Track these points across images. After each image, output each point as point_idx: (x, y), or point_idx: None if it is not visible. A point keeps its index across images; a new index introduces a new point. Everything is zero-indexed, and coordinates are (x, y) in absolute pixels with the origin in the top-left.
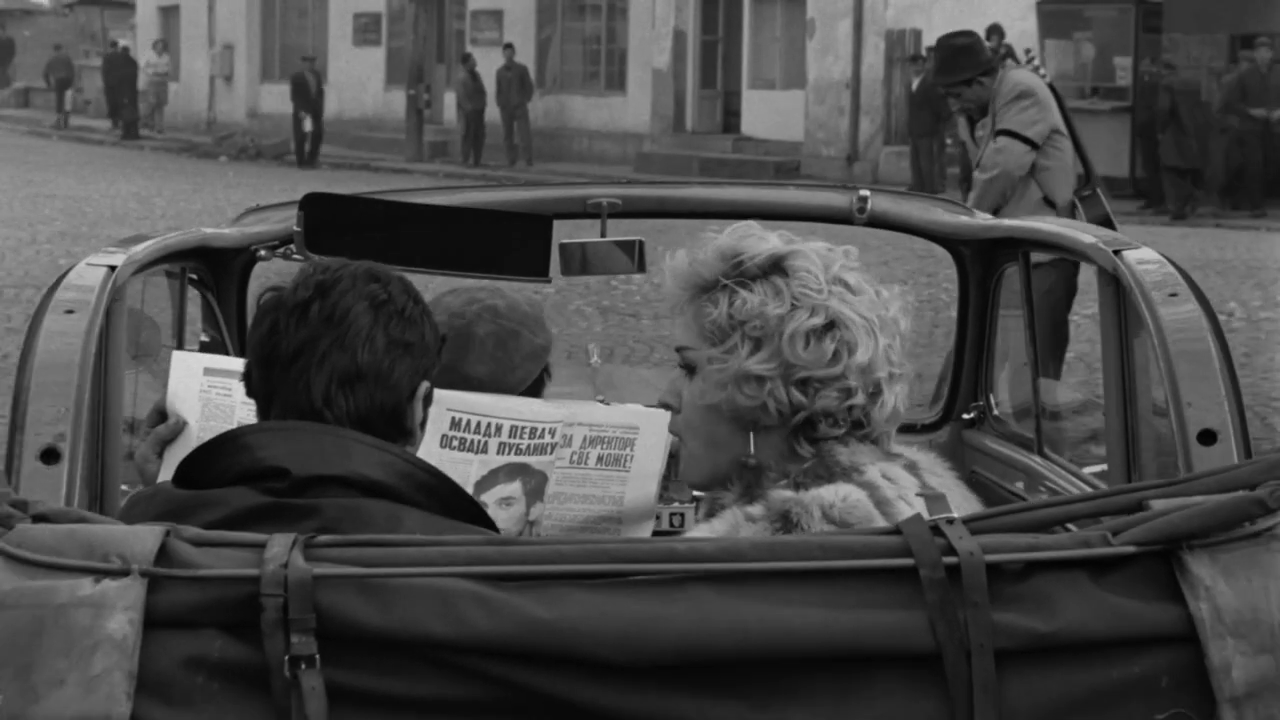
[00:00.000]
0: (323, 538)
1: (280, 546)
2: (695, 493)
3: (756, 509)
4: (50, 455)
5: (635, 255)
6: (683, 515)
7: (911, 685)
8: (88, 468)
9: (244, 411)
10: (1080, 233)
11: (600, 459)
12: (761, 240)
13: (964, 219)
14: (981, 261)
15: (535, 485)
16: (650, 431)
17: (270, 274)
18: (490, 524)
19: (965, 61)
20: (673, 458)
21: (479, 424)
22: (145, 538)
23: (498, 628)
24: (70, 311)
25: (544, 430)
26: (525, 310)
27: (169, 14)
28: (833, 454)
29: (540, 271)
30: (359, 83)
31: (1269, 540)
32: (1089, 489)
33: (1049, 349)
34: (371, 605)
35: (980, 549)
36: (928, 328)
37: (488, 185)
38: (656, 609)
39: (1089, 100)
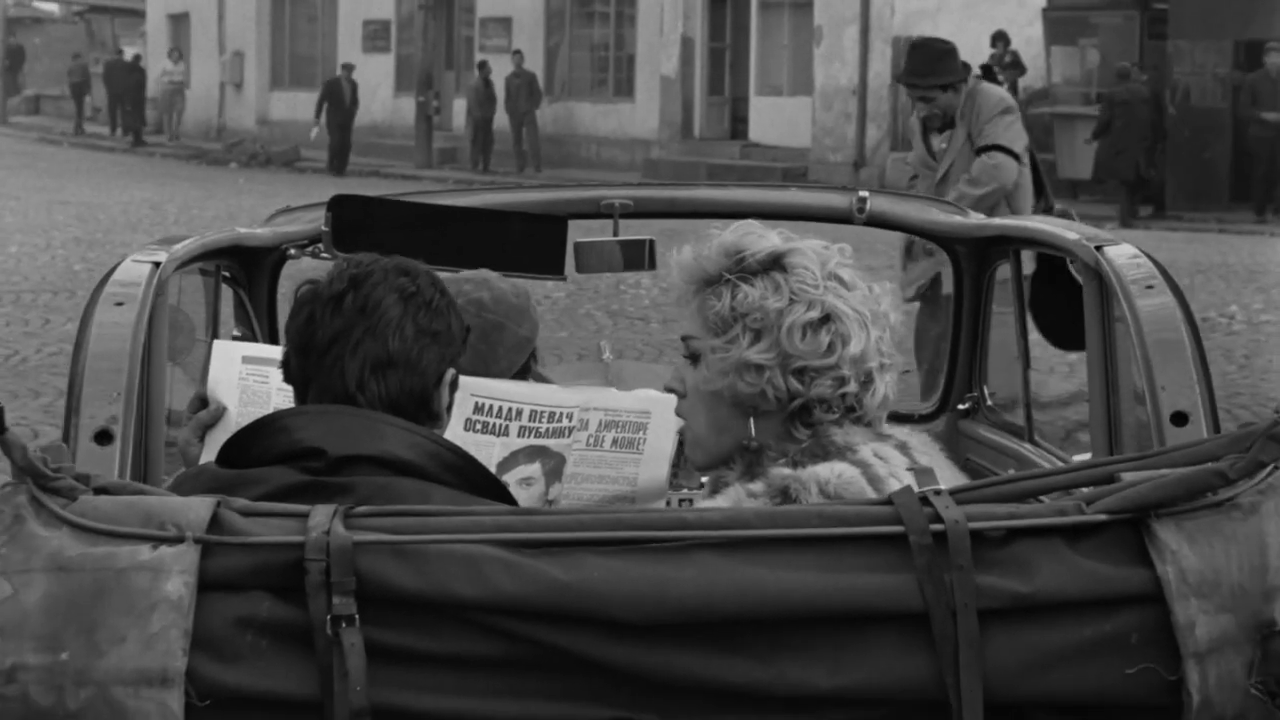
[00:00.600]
0: (361, 508)
1: (322, 516)
2: (703, 478)
3: (758, 485)
4: (104, 437)
5: (646, 254)
6: (691, 500)
7: (902, 642)
8: (134, 451)
9: (279, 397)
10: (1066, 230)
11: (615, 441)
12: (762, 238)
13: (958, 219)
14: (975, 259)
15: (554, 466)
16: (661, 415)
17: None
18: (512, 501)
19: (946, 66)
20: (681, 444)
21: (501, 408)
22: (199, 508)
23: (522, 589)
24: (120, 304)
25: (562, 414)
26: (511, 302)
27: (179, 21)
28: (828, 435)
29: (556, 269)
30: (368, 89)
31: (1230, 509)
32: None
33: None
34: (406, 569)
35: (965, 517)
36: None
37: (505, 187)
38: (667, 573)
39: (1094, 107)
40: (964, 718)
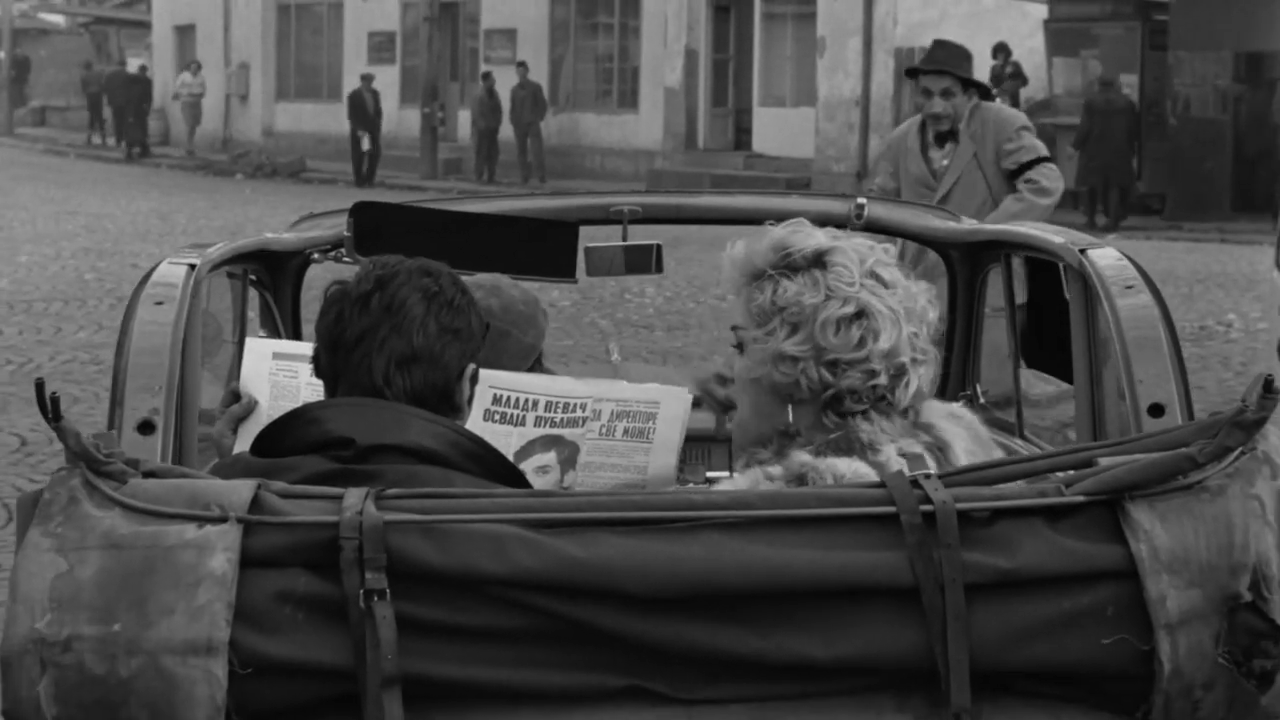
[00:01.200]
0: (391, 490)
1: (355, 497)
2: (710, 474)
3: (776, 469)
4: (146, 427)
5: (653, 258)
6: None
7: (894, 615)
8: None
9: (308, 391)
10: (1053, 234)
11: (626, 431)
12: (810, 236)
13: (951, 224)
14: (968, 263)
15: (568, 455)
16: (669, 406)
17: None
18: (528, 488)
19: (969, 67)
20: (688, 440)
21: (518, 399)
22: (241, 490)
23: (541, 566)
24: (159, 303)
25: (575, 405)
26: (519, 310)
27: (185, 33)
28: (856, 429)
29: (568, 272)
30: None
31: (1199, 491)
32: None
33: None
34: (433, 547)
35: (952, 499)
36: None
37: (519, 195)
38: (677, 550)
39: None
40: (952, 686)
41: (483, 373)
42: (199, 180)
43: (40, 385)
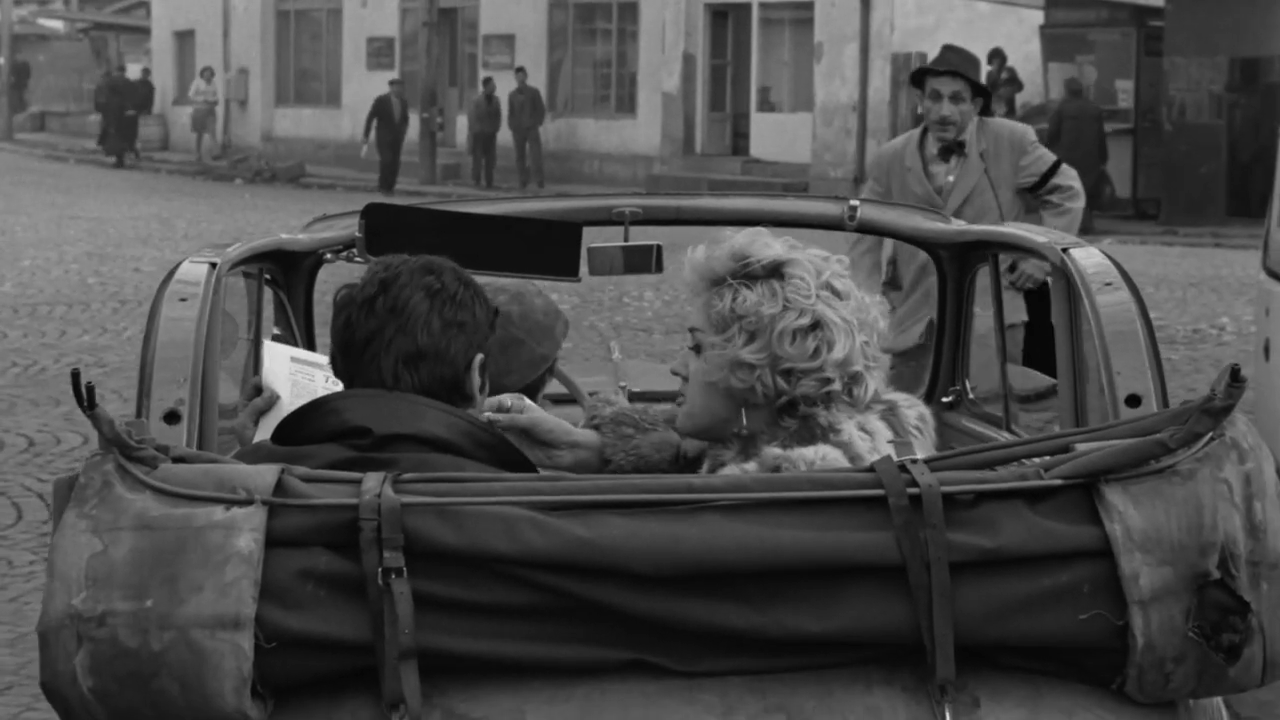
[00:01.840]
0: (408, 475)
1: (374, 481)
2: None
3: (751, 465)
4: (172, 417)
5: (654, 258)
6: None
7: (882, 592)
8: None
9: (325, 392)
10: (1037, 235)
11: None
12: (767, 246)
13: (940, 225)
14: (957, 263)
15: None
16: None
17: (329, 277)
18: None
19: (979, 75)
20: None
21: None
22: (266, 474)
23: (549, 545)
24: (183, 300)
25: None
26: (537, 319)
27: (184, 39)
28: (814, 417)
29: (571, 272)
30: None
31: (1170, 475)
32: None
33: None
34: (448, 528)
35: (938, 482)
36: None
37: (523, 197)
38: (677, 531)
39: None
40: (937, 659)
41: None
42: (199, 185)
43: (76, 375)
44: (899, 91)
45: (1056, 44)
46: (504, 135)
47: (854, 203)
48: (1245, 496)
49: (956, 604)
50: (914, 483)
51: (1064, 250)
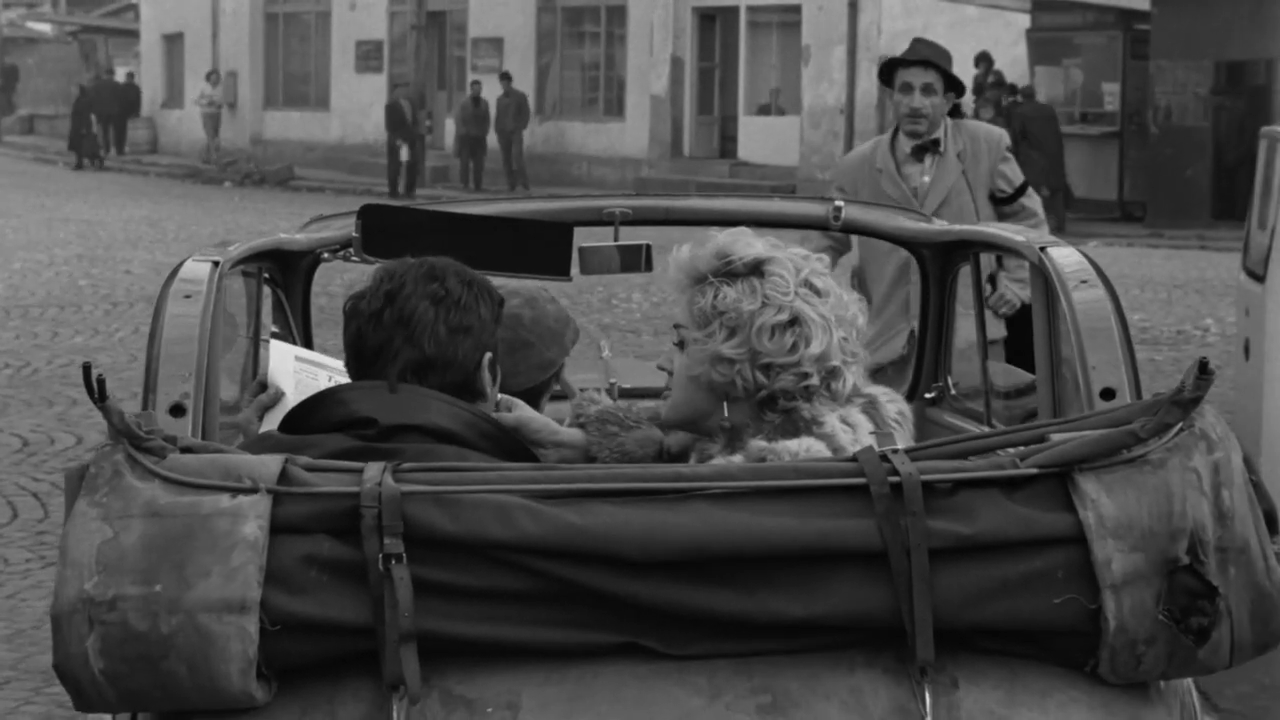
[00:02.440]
0: (408, 464)
1: (375, 470)
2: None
3: (737, 457)
4: (178, 410)
5: (643, 257)
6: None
7: (864, 577)
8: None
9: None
10: (1015, 234)
11: None
12: (749, 245)
13: (923, 225)
14: (939, 262)
15: None
16: None
17: (327, 275)
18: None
19: (951, 64)
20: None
21: None
22: (270, 464)
23: (543, 532)
24: (188, 297)
25: None
26: (548, 325)
27: (173, 42)
28: (797, 410)
29: (563, 271)
30: (361, 109)
31: (1142, 464)
32: None
33: None
34: (446, 515)
35: (918, 471)
36: None
37: (515, 199)
38: (667, 518)
39: (1078, 125)
40: (917, 641)
41: None
42: (188, 188)
43: (87, 367)
44: (886, 95)
45: (1043, 47)
46: (492, 138)
47: (838, 203)
48: (1214, 485)
49: (935, 589)
50: (895, 472)
51: (1042, 249)
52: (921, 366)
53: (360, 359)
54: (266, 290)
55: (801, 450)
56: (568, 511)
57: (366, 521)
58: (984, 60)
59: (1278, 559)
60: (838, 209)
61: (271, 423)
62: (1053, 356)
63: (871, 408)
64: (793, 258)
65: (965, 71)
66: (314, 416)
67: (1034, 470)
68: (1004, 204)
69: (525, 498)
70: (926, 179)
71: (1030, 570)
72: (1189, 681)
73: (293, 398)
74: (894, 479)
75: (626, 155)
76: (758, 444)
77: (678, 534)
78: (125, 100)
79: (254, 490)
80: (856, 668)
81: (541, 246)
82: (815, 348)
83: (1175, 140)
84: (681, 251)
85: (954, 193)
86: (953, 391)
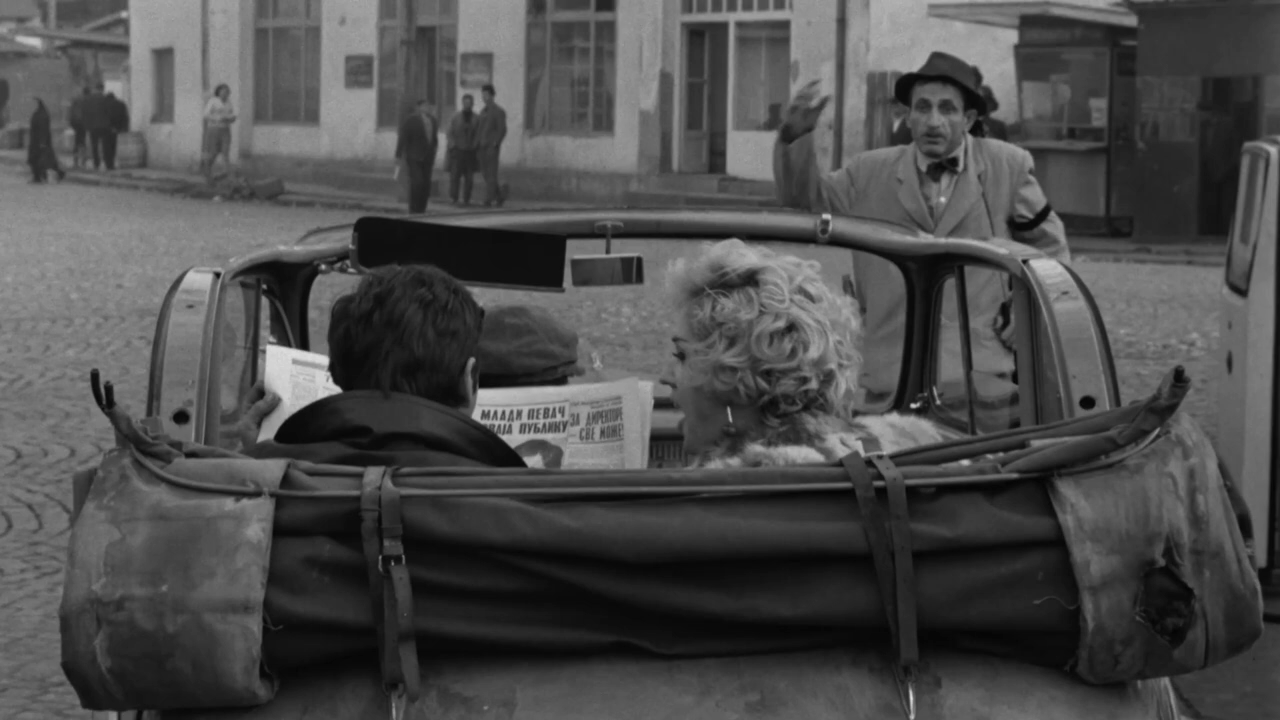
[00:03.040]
0: (406, 469)
1: (375, 475)
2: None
3: (735, 460)
4: (181, 417)
5: (635, 269)
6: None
7: (850, 579)
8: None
9: (325, 394)
10: (999, 248)
11: (603, 432)
12: (743, 256)
13: (909, 238)
14: (925, 274)
15: (553, 458)
16: (630, 401)
17: (318, 290)
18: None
19: (971, 82)
20: (661, 439)
21: (503, 411)
22: (273, 468)
23: (538, 534)
24: (190, 307)
25: (555, 410)
26: (554, 326)
27: (163, 56)
28: (802, 422)
29: (555, 282)
30: (351, 124)
31: (1119, 469)
32: None
33: None
34: (444, 518)
35: (902, 476)
36: None
37: (509, 212)
38: (659, 521)
39: (1065, 141)
40: (901, 642)
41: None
42: (178, 203)
43: (95, 375)
44: (874, 110)
45: (1031, 64)
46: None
47: (825, 217)
48: (1189, 489)
49: (919, 590)
50: (879, 476)
51: (1024, 262)
52: (908, 376)
53: (349, 360)
54: (265, 301)
55: (800, 458)
56: (562, 515)
57: (367, 524)
58: (972, 76)
59: (1251, 562)
60: (824, 222)
61: (270, 428)
62: (1034, 365)
63: (873, 445)
64: (786, 266)
65: None
66: (310, 426)
67: (1015, 475)
68: (1024, 229)
69: (521, 501)
70: (943, 199)
71: (1011, 572)
72: (1166, 681)
73: (289, 402)
74: (879, 484)
75: (616, 170)
76: (755, 449)
77: (669, 536)
78: (114, 115)
79: (257, 494)
80: (843, 667)
81: (536, 258)
82: (813, 352)
83: (1162, 156)
84: (676, 266)
85: (971, 216)
86: (938, 402)
